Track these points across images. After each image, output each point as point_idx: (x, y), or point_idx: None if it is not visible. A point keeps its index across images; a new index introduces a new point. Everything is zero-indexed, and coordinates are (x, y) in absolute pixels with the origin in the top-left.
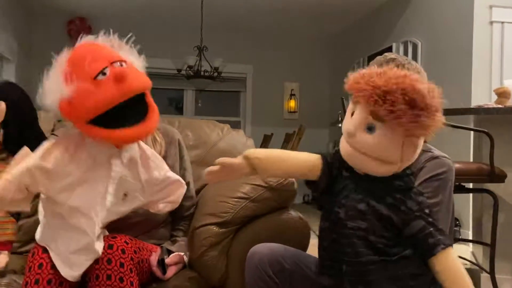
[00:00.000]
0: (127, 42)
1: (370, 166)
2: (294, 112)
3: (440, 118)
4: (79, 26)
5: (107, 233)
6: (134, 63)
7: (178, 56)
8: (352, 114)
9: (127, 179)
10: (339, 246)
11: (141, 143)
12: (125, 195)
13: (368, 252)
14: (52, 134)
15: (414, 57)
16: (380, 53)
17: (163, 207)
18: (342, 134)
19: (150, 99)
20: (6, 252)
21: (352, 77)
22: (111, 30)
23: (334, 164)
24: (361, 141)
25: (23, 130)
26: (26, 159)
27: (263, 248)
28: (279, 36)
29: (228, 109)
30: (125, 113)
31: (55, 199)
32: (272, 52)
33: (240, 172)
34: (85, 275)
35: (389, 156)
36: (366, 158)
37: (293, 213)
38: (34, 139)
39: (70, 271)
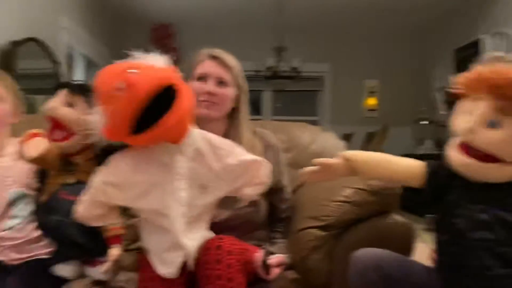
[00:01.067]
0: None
1: (491, 171)
2: (374, 110)
3: None
4: (162, 32)
5: (209, 233)
6: (153, 63)
7: (257, 58)
8: (466, 113)
9: (197, 171)
10: (462, 259)
11: (207, 133)
12: (203, 187)
13: (497, 265)
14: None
15: (509, 50)
16: (468, 46)
17: (251, 191)
18: (428, 132)
19: (178, 87)
20: (116, 245)
21: (473, 73)
22: (194, 37)
23: (441, 171)
24: (484, 138)
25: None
26: (96, 177)
27: (367, 253)
28: (358, 32)
29: (305, 109)
30: (161, 111)
31: (134, 208)
32: (350, 49)
33: (338, 173)
34: (195, 274)
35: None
36: (484, 164)
37: (398, 218)
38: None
39: (166, 269)
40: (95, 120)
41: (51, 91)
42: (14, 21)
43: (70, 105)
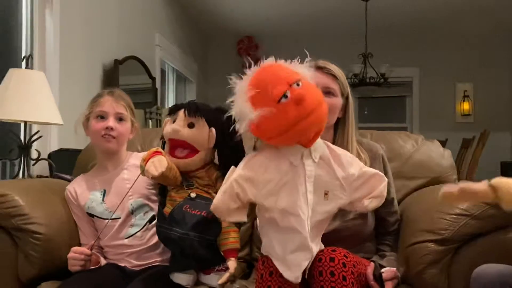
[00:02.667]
0: (298, 60)
1: None
2: (469, 115)
3: None
4: (247, 44)
5: (323, 246)
6: (307, 76)
7: (343, 65)
8: None
9: (322, 178)
10: None
11: (330, 144)
12: (326, 194)
13: None
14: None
15: None
16: None
17: (368, 203)
18: None
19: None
20: (233, 259)
21: None
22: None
23: None
24: None
25: (233, 151)
26: (233, 173)
27: (491, 269)
28: (447, 34)
29: (393, 115)
30: None
31: (264, 205)
32: (440, 52)
33: (481, 199)
34: (309, 286)
35: None
36: None
37: None
38: (237, 157)
39: (291, 273)
40: (241, 113)
41: (148, 105)
42: (116, 41)
43: (191, 125)
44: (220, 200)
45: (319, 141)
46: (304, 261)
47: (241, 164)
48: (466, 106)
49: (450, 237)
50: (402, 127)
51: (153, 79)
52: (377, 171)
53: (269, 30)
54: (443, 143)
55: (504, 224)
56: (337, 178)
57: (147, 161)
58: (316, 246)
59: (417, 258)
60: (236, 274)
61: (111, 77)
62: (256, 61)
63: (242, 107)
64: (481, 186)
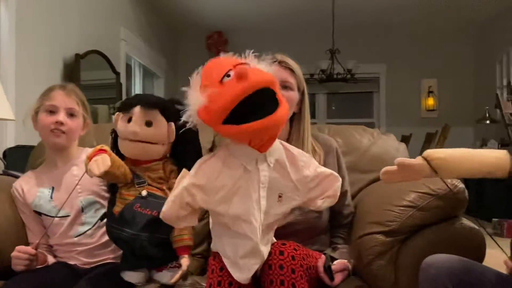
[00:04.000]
0: (255, 56)
1: None
2: (433, 110)
3: None
4: (217, 39)
5: (274, 239)
6: (261, 67)
7: (310, 61)
8: None
9: (277, 181)
10: None
11: (286, 144)
12: (280, 196)
13: None
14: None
15: None
16: None
17: (322, 202)
18: (491, 132)
19: (279, 96)
20: (186, 256)
21: None
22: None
23: None
24: None
25: (187, 147)
26: (183, 180)
27: (439, 259)
28: (414, 30)
29: (361, 111)
30: (256, 111)
31: (216, 211)
32: (406, 48)
33: (419, 174)
34: (259, 279)
35: None
36: None
37: (466, 222)
38: (196, 153)
39: (241, 275)
40: (192, 100)
41: (112, 101)
42: (78, 35)
43: (149, 124)
44: (169, 208)
45: (275, 144)
46: (254, 265)
47: (192, 170)
48: (430, 101)
49: (397, 229)
50: (369, 122)
51: (118, 74)
52: (332, 171)
53: (239, 25)
54: (408, 138)
55: (447, 215)
56: (292, 181)
57: (91, 159)
58: (267, 246)
59: (365, 250)
60: (191, 271)
61: (72, 72)
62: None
63: (192, 96)
64: (416, 160)
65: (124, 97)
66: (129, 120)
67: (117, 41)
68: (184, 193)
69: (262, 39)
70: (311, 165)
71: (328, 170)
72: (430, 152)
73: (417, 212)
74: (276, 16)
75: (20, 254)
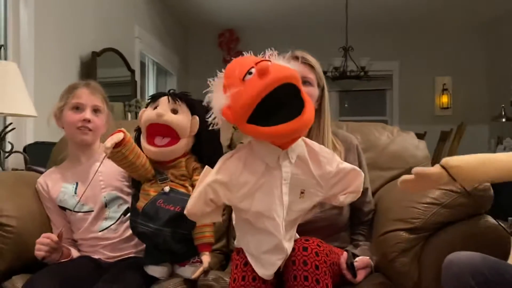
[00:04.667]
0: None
1: None
2: (447, 108)
3: None
4: (228, 37)
5: (298, 236)
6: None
7: (324, 58)
8: None
9: (299, 177)
10: None
11: (308, 140)
12: (302, 192)
13: None
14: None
15: None
16: None
17: (344, 198)
18: (507, 129)
19: (304, 95)
20: (207, 253)
21: None
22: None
23: None
24: None
25: (209, 142)
26: (207, 176)
27: (462, 256)
28: (427, 28)
29: (374, 109)
30: (282, 111)
31: (238, 207)
32: (420, 46)
33: (437, 182)
34: (283, 275)
35: None
36: None
37: (491, 220)
38: (216, 149)
39: (264, 271)
40: (216, 101)
41: (127, 98)
42: (94, 33)
43: (174, 111)
44: (193, 205)
45: (298, 140)
46: (278, 261)
47: (215, 167)
48: (445, 99)
49: (421, 226)
50: (382, 120)
51: (132, 71)
52: (354, 166)
53: (250, 23)
54: (422, 136)
55: (472, 212)
56: (314, 177)
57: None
58: (290, 242)
59: (388, 247)
60: (212, 267)
61: (88, 69)
62: (237, 54)
63: (216, 96)
64: (434, 168)
65: (138, 94)
66: (155, 109)
67: (131, 39)
68: (208, 190)
69: (274, 37)
70: (333, 161)
71: (350, 166)
72: (447, 160)
73: (441, 209)
74: (288, 14)
75: (43, 239)
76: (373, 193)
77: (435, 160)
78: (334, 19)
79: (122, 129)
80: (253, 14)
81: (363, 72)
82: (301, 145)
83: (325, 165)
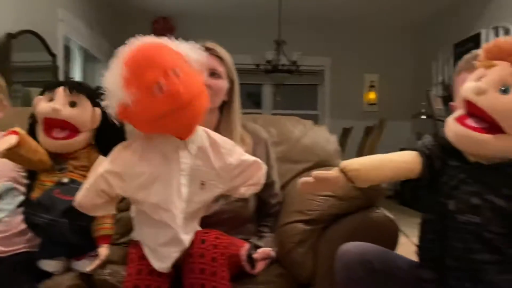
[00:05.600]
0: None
1: (486, 141)
2: (374, 104)
3: None
4: (163, 25)
5: (198, 227)
6: (191, 58)
7: (257, 51)
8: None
9: (199, 168)
10: (447, 239)
11: (210, 131)
12: (203, 184)
13: (482, 249)
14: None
15: None
16: (467, 41)
17: (245, 190)
18: (434, 125)
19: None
20: (105, 245)
21: (490, 44)
22: (192, 29)
23: (436, 155)
24: (492, 99)
25: (112, 132)
26: (99, 167)
27: (352, 247)
28: (358, 26)
29: (306, 103)
30: None
31: (134, 199)
32: (350, 43)
33: (335, 185)
34: (180, 267)
35: None
36: (482, 136)
37: (380, 212)
38: (121, 139)
39: (160, 263)
40: (112, 91)
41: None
42: (11, 13)
43: (72, 104)
44: (83, 196)
45: (199, 131)
46: (174, 253)
47: (109, 157)
48: (372, 95)
49: (317, 218)
50: (314, 114)
51: (54, 56)
52: (256, 159)
53: (186, 12)
54: (349, 131)
55: (365, 204)
56: (214, 168)
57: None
58: (189, 235)
59: (286, 238)
60: (113, 259)
61: (1, 52)
62: None
63: (113, 83)
64: (333, 172)
65: (62, 80)
66: (51, 101)
67: (54, 21)
68: (99, 180)
69: (210, 27)
70: (234, 153)
71: (252, 158)
72: (346, 164)
73: (337, 202)
74: (224, 4)
75: None
76: (284, 186)
77: (359, 153)
78: (268, 12)
79: (16, 129)
80: (190, 2)
81: (295, 67)
82: (202, 136)
83: (226, 156)
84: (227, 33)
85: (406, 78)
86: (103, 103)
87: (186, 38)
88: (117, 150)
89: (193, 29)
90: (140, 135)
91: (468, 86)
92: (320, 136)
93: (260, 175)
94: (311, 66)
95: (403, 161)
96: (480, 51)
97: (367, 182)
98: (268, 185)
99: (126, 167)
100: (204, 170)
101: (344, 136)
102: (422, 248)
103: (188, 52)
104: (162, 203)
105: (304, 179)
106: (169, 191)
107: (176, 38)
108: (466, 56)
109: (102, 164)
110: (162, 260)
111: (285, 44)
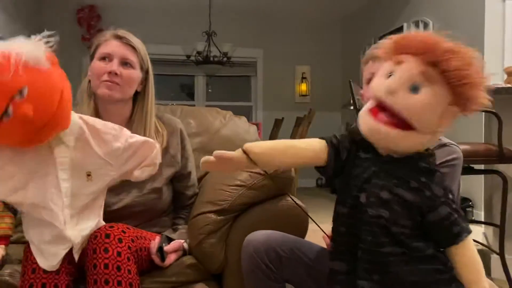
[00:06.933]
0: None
1: (397, 137)
2: (306, 95)
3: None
4: (88, 14)
5: (103, 222)
6: (38, 60)
7: (187, 42)
8: (388, 76)
9: (80, 160)
10: (358, 232)
11: (89, 119)
12: (89, 175)
13: (390, 243)
14: None
15: None
16: (391, 33)
17: (140, 173)
18: (356, 115)
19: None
20: (2, 246)
21: (399, 37)
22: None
23: (344, 146)
24: (403, 99)
25: None
26: None
27: (259, 235)
28: (289, 19)
29: (239, 94)
30: None
31: (12, 202)
32: (282, 35)
33: (239, 166)
34: (83, 263)
35: (426, 120)
36: (393, 130)
37: (290, 200)
38: None
39: (46, 261)
40: None
41: None
42: None
43: None
44: None
45: (75, 122)
46: (61, 251)
47: None
48: (304, 87)
49: (229, 207)
50: (247, 105)
51: None
52: (147, 138)
53: (114, 1)
54: (280, 122)
55: (275, 193)
56: (100, 157)
57: None
58: (76, 230)
59: (198, 229)
60: (15, 258)
61: None
62: (98, 32)
63: None
64: (236, 152)
65: None
66: None
67: None
68: None
69: (138, 17)
70: (120, 137)
71: (142, 138)
72: (249, 146)
73: (247, 191)
74: None
75: None
76: (202, 177)
77: None
78: (198, 3)
79: None
80: None
81: (226, 58)
82: (78, 126)
83: (111, 142)
84: (157, 24)
85: (336, 70)
86: None
87: (114, 27)
88: None
89: (121, 20)
90: None
91: (378, 84)
92: (240, 127)
93: (154, 155)
94: (243, 58)
95: (310, 149)
96: (387, 41)
97: (271, 166)
98: (184, 176)
99: None
100: (88, 161)
101: (275, 127)
102: (335, 241)
103: (30, 54)
104: (40, 202)
105: (205, 158)
106: (45, 189)
107: (103, 28)
108: (373, 46)
109: None
110: (47, 258)
111: (215, 36)
